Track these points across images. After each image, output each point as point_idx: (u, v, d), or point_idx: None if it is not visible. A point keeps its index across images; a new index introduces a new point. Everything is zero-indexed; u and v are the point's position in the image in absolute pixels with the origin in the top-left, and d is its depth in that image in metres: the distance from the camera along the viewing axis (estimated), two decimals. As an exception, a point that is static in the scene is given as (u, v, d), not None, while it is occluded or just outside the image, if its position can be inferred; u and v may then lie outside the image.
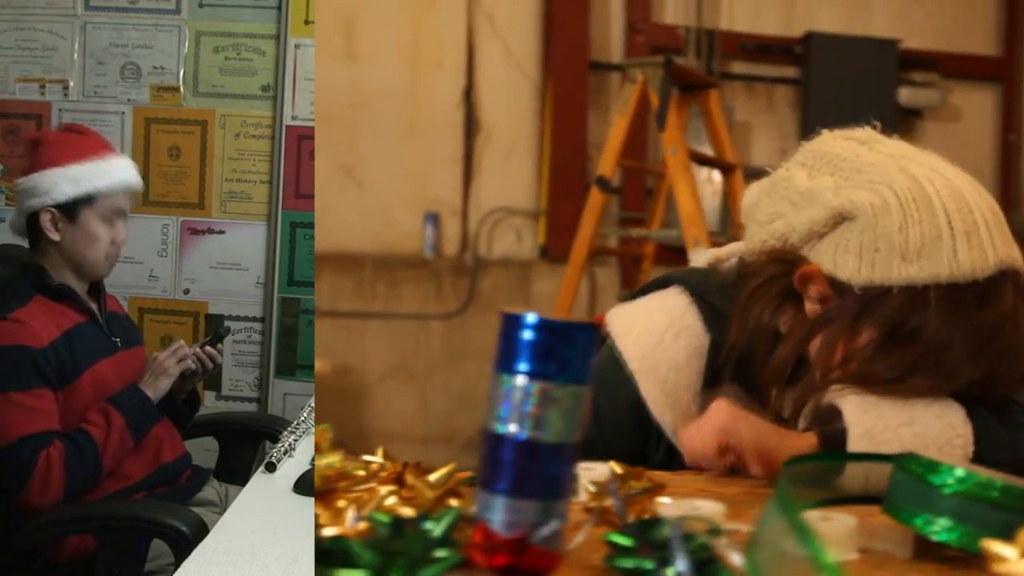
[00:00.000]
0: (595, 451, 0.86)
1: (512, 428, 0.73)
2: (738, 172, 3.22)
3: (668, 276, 1.23)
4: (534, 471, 0.73)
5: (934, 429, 0.98)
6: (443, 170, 3.86)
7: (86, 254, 1.90)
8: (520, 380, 0.73)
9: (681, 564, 0.64)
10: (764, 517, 0.62)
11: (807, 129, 3.77)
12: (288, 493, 1.61)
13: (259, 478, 1.71)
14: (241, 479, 2.08)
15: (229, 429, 2.31)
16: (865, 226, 1.01)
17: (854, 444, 0.97)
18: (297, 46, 2.81)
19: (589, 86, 3.84)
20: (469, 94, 3.83)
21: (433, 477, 0.84)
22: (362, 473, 0.86)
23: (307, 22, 2.81)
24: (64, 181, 1.87)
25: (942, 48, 4.18)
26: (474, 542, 0.69)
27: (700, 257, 1.26)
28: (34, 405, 1.73)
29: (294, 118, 2.82)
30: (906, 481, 0.72)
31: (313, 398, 2.59)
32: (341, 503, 0.79)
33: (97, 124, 2.83)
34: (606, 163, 3.12)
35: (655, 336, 1.15)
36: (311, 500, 1.44)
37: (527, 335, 0.74)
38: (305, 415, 1.98)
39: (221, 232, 2.82)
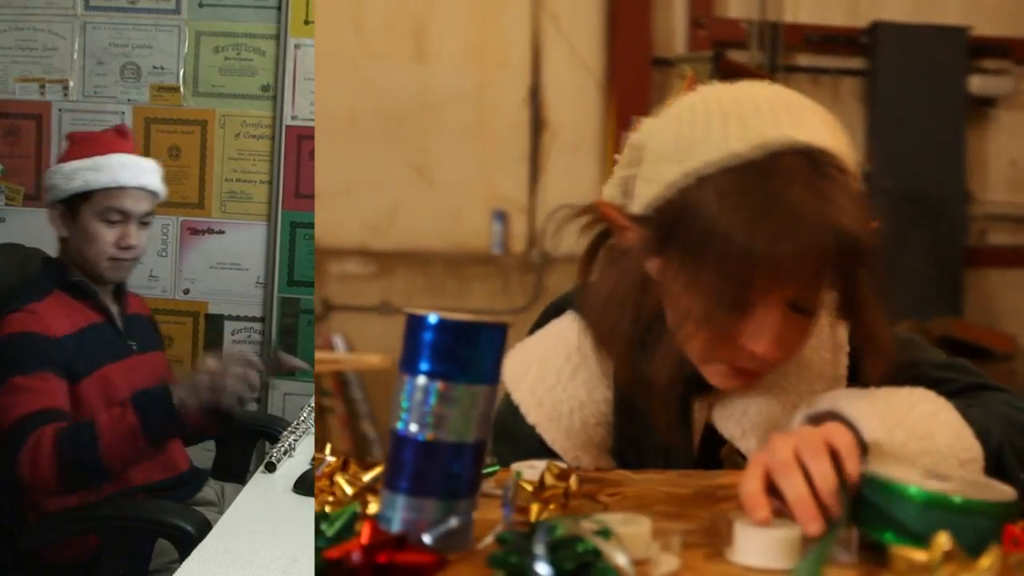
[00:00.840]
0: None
1: (413, 428, 0.73)
2: None
3: (561, 300, 1.14)
4: (434, 470, 0.73)
5: (939, 436, 0.94)
6: (510, 168, 3.89)
7: (86, 254, 1.89)
8: (421, 380, 0.73)
9: (540, 560, 0.65)
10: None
11: (874, 121, 3.77)
12: (288, 493, 1.61)
13: (259, 478, 1.71)
14: (238, 478, 2.08)
15: (230, 429, 2.31)
16: (647, 152, 0.98)
17: (874, 448, 0.90)
18: (297, 46, 2.81)
19: (652, 83, 3.83)
20: (535, 93, 3.86)
21: (367, 476, 0.84)
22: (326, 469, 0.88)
23: (307, 22, 2.81)
24: (61, 177, 1.89)
25: (1015, 34, 4.03)
26: (359, 541, 0.67)
27: None
28: (35, 386, 1.72)
29: (294, 118, 2.82)
30: (871, 498, 0.73)
31: (313, 398, 2.59)
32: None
33: (97, 124, 2.83)
34: None
35: (551, 378, 1.07)
36: (311, 500, 1.44)
37: (428, 335, 0.73)
38: (305, 415, 1.98)
39: (221, 232, 2.82)
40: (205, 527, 1.57)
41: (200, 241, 2.85)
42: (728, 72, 3.24)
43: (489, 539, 0.74)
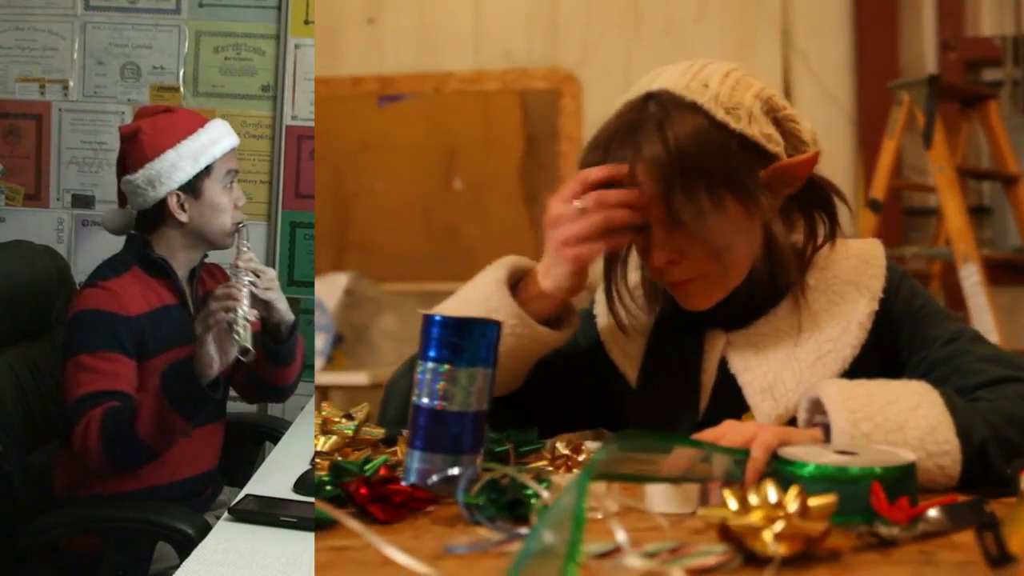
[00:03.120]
0: None
1: (425, 400, 0.96)
2: (1021, 183, 3.20)
3: None
4: (442, 432, 0.96)
5: (911, 429, 0.98)
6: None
7: (213, 225, 1.90)
8: (430, 364, 0.96)
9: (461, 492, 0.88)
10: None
11: None
12: (288, 493, 1.61)
13: (259, 478, 1.71)
14: (242, 480, 2.08)
15: (230, 429, 2.31)
16: None
17: (838, 438, 0.98)
18: (297, 46, 2.81)
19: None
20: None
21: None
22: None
23: (307, 22, 2.81)
24: (182, 160, 1.86)
25: None
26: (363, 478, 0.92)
27: None
28: (99, 366, 1.73)
29: (294, 118, 2.82)
30: (781, 476, 0.84)
31: (313, 398, 2.59)
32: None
33: (97, 124, 2.83)
34: (877, 185, 3.14)
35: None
36: (311, 500, 1.44)
37: (434, 330, 0.97)
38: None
39: (221, 232, 2.82)
40: (206, 531, 1.57)
41: (200, 241, 2.85)
42: (944, 93, 3.23)
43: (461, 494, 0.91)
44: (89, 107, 2.84)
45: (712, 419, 1.10)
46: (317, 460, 1.05)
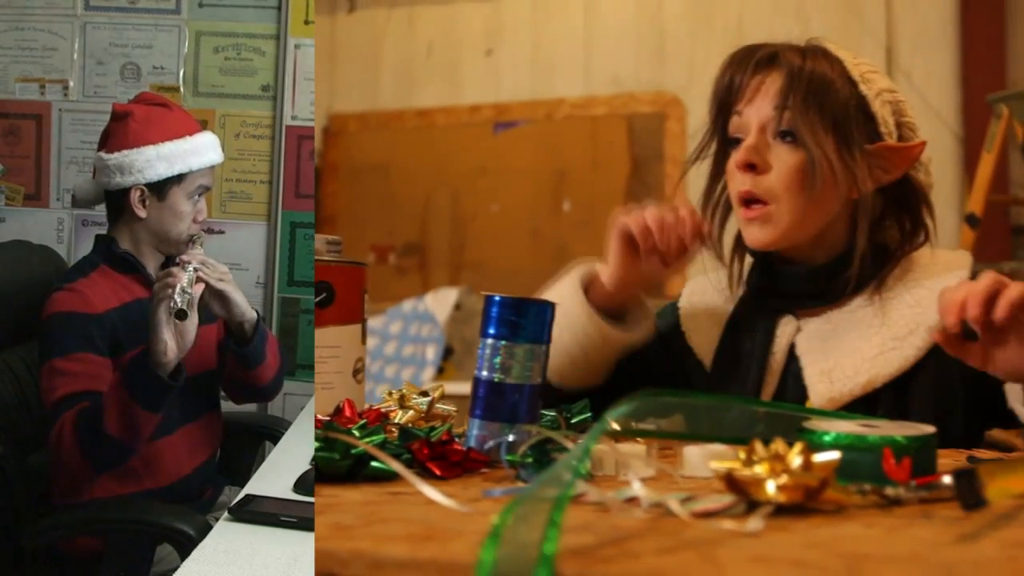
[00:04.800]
0: None
1: (484, 373, 1.05)
2: None
3: None
4: (499, 402, 1.04)
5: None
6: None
7: (170, 231, 1.90)
8: (489, 340, 1.05)
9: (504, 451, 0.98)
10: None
11: None
12: (288, 493, 1.61)
13: (259, 478, 1.70)
14: (242, 480, 2.08)
15: (230, 430, 2.31)
16: None
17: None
18: (297, 46, 2.81)
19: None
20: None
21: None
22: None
23: (307, 22, 2.81)
24: (159, 160, 1.86)
25: None
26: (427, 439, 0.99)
27: None
28: (71, 369, 1.72)
29: (294, 118, 2.82)
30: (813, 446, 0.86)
31: (313, 398, 2.59)
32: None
33: (97, 124, 2.83)
34: (975, 200, 3.10)
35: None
36: (311, 500, 1.44)
37: (494, 310, 1.05)
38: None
39: (221, 232, 2.82)
40: (207, 532, 1.56)
41: (200, 241, 2.85)
42: None
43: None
44: (89, 107, 2.84)
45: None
46: (390, 428, 1.10)
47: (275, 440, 2.12)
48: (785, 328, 1.23)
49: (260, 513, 1.49)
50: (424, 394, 1.19)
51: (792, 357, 1.22)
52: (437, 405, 1.18)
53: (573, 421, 1.12)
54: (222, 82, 2.83)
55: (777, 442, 0.77)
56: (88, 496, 1.81)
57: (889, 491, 0.80)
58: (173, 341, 1.64)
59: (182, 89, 2.84)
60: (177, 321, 1.65)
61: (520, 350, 1.04)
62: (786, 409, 1.01)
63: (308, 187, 2.84)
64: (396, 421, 1.14)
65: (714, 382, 1.27)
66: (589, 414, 1.13)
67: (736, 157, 1.20)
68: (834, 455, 0.77)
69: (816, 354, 1.19)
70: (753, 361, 1.23)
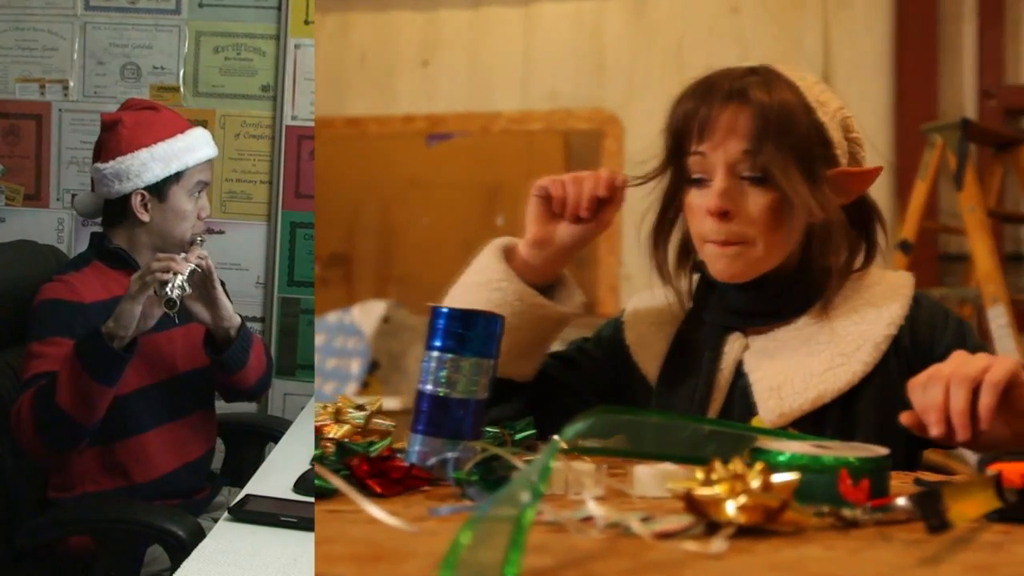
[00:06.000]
0: None
1: (429, 387, 1.01)
2: None
3: None
4: (444, 418, 1.00)
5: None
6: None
7: (174, 231, 1.91)
8: (435, 353, 1.01)
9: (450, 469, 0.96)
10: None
11: None
12: (288, 493, 1.61)
13: (259, 478, 1.70)
14: (242, 480, 2.08)
15: (231, 430, 2.31)
16: None
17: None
18: (297, 46, 2.81)
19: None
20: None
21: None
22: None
23: (307, 22, 2.81)
24: (154, 162, 1.87)
25: None
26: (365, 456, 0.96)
27: None
28: (45, 352, 1.74)
29: (294, 118, 2.82)
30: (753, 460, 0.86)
31: (313, 398, 2.59)
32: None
33: (97, 124, 2.83)
34: (908, 227, 3.16)
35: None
36: (311, 500, 1.44)
37: (440, 322, 1.02)
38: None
39: (221, 232, 2.82)
40: (199, 534, 1.56)
41: (200, 241, 2.85)
42: (977, 137, 3.28)
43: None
44: (89, 107, 2.84)
45: (724, 419, 1.18)
46: (326, 443, 1.08)
47: (276, 440, 2.12)
48: (733, 345, 1.23)
49: (260, 513, 1.48)
50: (360, 408, 1.16)
51: (740, 374, 1.22)
52: (375, 419, 1.15)
53: (517, 438, 1.10)
54: (222, 82, 2.83)
55: (736, 462, 0.77)
56: (79, 490, 1.82)
57: (846, 513, 0.80)
58: (137, 316, 1.67)
59: (182, 89, 2.84)
60: (167, 310, 1.69)
61: (467, 363, 1.01)
62: (738, 428, 1.00)
63: (308, 187, 2.84)
64: (331, 436, 1.11)
65: (660, 397, 1.26)
66: (534, 431, 1.11)
67: (708, 203, 1.17)
68: (793, 476, 0.78)
69: (765, 370, 1.20)
70: (700, 377, 1.23)
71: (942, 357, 1.15)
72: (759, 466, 0.76)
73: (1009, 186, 3.44)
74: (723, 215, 1.16)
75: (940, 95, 3.68)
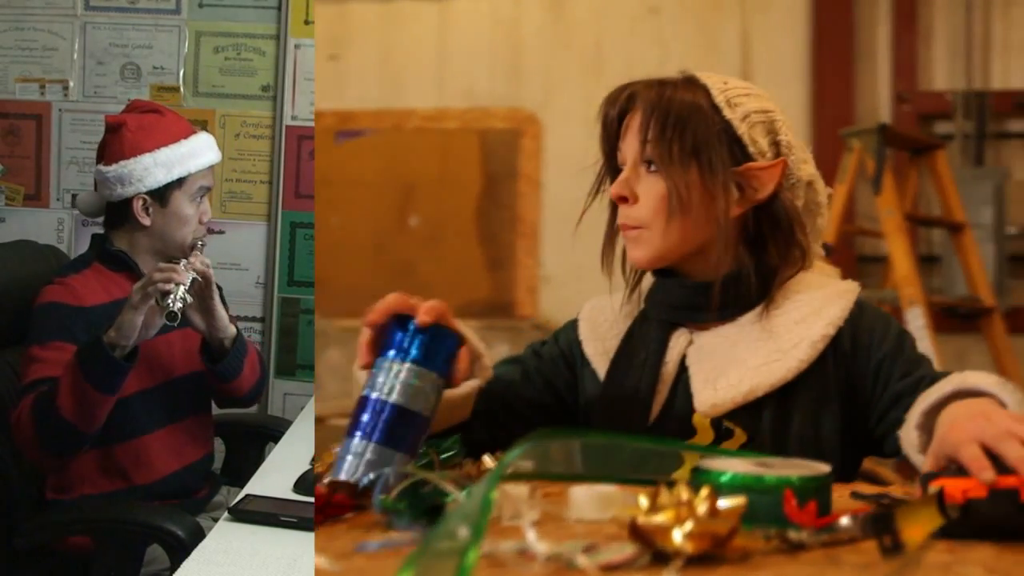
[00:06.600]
0: None
1: (374, 394, 0.97)
2: (967, 231, 3.26)
3: None
4: (403, 429, 0.95)
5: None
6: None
7: (175, 236, 1.91)
8: (386, 362, 0.98)
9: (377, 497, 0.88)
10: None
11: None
12: (288, 493, 1.61)
13: (259, 478, 1.71)
14: (242, 480, 2.08)
15: (231, 430, 2.31)
16: None
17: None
18: (297, 46, 2.81)
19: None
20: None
21: None
22: None
23: (307, 22, 2.81)
24: (157, 167, 1.87)
25: None
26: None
27: None
28: (46, 356, 1.74)
29: (294, 118, 2.82)
30: (695, 480, 0.85)
31: (313, 398, 2.59)
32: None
33: (97, 124, 2.83)
34: (828, 230, 3.14)
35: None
36: (311, 500, 1.44)
37: (396, 329, 0.99)
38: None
39: (221, 232, 2.82)
40: (198, 533, 1.57)
41: (200, 241, 2.85)
42: (894, 142, 3.32)
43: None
44: (89, 107, 2.84)
45: (667, 412, 1.23)
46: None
47: (276, 440, 2.12)
48: (678, 340, 1.28)
49: (260, 513, 1.49)
50: None
51: (683, 368, 1.27)
52: None
53: (443, 457, 1.07)
54: (222, 82, 2.83)
55: (681, 487, 0.75)
56: (78, 492, 1.82)
57: (792, 535, 0.78)
58: (139, 326, 1.68)
59: (182, 89, 2.84)
60: (168, 322, 1.69)
61: (416, 374, 0.97)
62: (674, 447, 1.02)
63: (308, 187, 2.84)
64: None
65: (604, 391, 1.30)
66: (457, 449, 1.09)
67: (611, 190, 1.28)
68: (740, 500, 0.76)
69: (704, 364, 1.25)
70: (646, 370, 1.27)
71: (880, 363, 1.21)
72: (705, 491, 0.74)
73: (923, 190, 3.49)
74: (622, 200, 1.26)
75: (857, 99, 3.72)
